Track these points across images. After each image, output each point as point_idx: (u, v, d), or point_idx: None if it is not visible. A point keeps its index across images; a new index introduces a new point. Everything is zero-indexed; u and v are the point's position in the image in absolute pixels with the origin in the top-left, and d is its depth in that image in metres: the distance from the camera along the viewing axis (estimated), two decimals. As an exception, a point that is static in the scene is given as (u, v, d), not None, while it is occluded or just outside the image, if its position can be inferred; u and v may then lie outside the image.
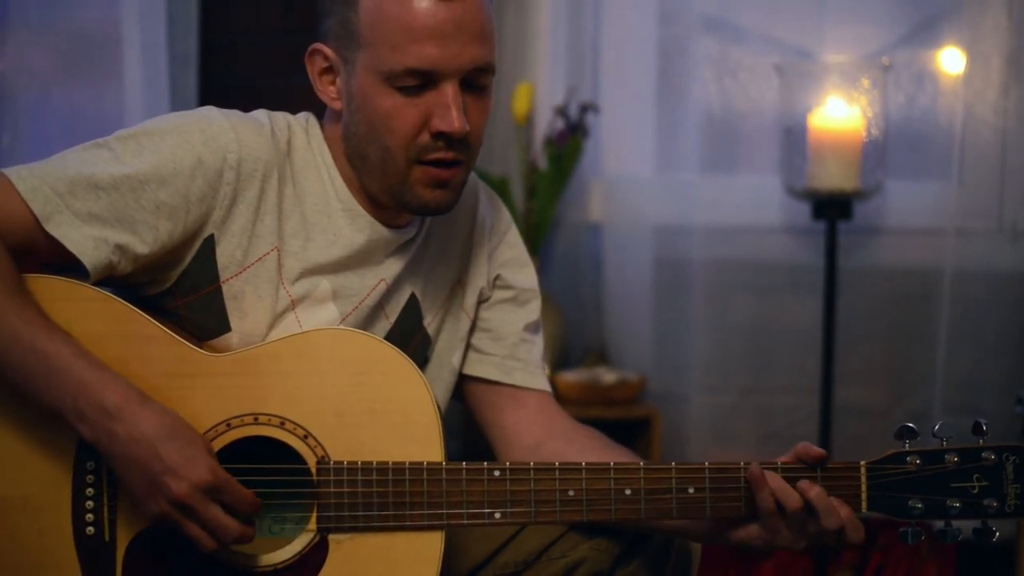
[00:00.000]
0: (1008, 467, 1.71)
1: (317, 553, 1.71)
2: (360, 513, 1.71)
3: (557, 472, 1.72)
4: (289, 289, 1.79)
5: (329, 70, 1.80)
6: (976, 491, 1.71)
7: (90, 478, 1.69)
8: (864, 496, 1.71)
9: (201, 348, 1.74)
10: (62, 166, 1.72)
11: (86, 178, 1.70)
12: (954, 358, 3.13)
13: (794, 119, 3.06)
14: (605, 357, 3.32)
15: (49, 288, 1.70)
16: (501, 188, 3.14)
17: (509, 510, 1.72)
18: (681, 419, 3.25)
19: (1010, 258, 3.11)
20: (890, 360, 3.23)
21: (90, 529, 1.70)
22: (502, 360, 1.95)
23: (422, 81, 1.72)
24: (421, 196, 1.77)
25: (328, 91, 1.81)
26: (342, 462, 1.71)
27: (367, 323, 1.85)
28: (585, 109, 3.23)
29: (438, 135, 1.73)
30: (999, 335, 3.13)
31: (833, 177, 3.00)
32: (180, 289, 1.77)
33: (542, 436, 1.92)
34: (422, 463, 1.71)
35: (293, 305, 1.80)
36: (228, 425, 1.70)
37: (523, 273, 1.99)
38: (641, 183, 3.33)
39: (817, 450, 1.71)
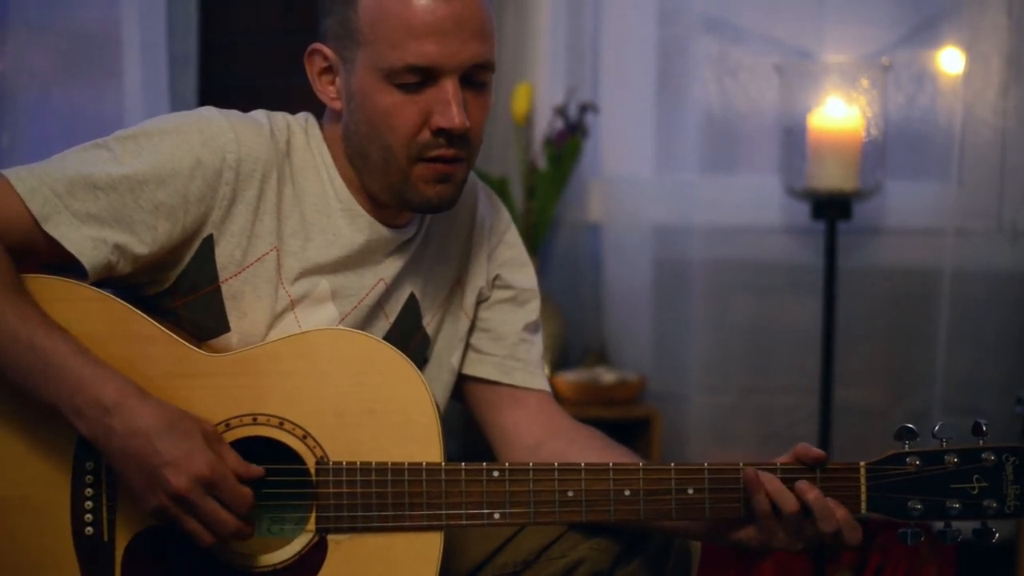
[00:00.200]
0: (1008, 468, 1.71)
1: (316, 553, 1.71)
2: (359, 513, 1.71)
3: (556, 473, 1.72)
4: (288, 289, 1.79)
5: (328, 70, 1.80)
6: (976, 492, 1.71)
7: (89, 478, 1.69)
8: (864, 497, 1.71)
9: (200, 348, 1.74)
10: (61, 166, 1.72)
11: (85, 178, 1.70)
12: (954, 358, 3.13)
13: (794, 119, 3.06)
14: (605, 357, 3.32)
15: (48, 288, 1.70)
16: (500, 188, 3.14)
17: (508, 511, 1.72)
18: (681, 419, 3.25)
19: (1010, 258, 3.11)
20: (890, 360, 3.23)
21: (89, 529, 1.70)
22: (501, 360, 1.95)
23: (422, 78, 1.72)
24: (423, 193, 1.77)
25: (327, 91, 1.81)
26: (341, 462, 1.71)
27: (366, 323, 1.85)
28: (585, 109, 3.23)
29: (439, 132, 1.73)
30: (999, 335, 3.13)
31: (833, 177, 3.00)
32: (179, 289, 1.77)
33: (542, 436, 1.92)
34: (421, 463, 1.71)
35: (292, 305, 1.80)
36: (227, 425, 1.70)
37: (522, 273, 1.99)
38: (641, 183, 3.33)
39: (816, 451, 1.71)
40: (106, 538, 1.70)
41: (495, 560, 1.87)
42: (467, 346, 1.96)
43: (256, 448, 1.71)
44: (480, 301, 1.97)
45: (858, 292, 3.19)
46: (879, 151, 3.04)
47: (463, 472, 1.71)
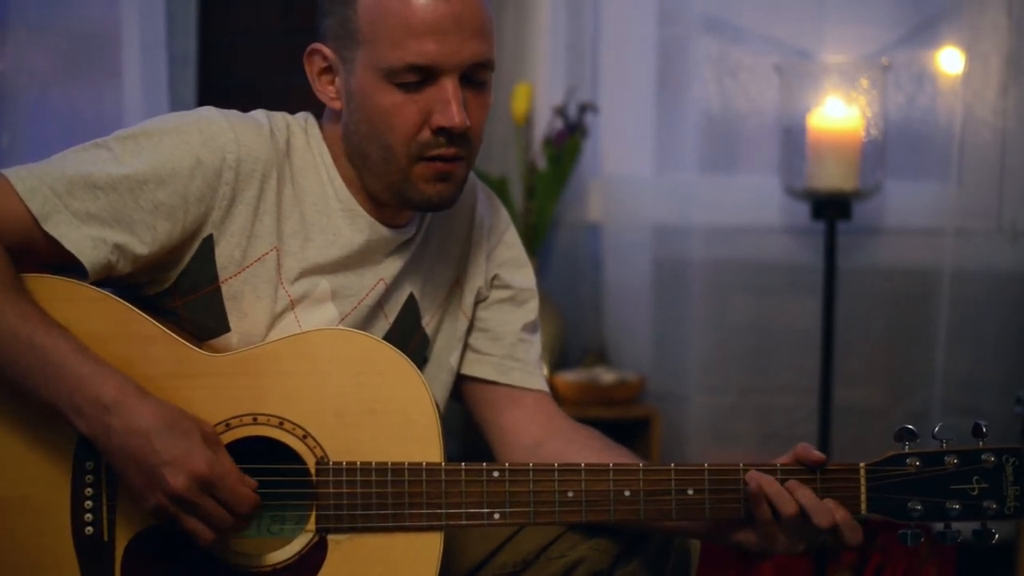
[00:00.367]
0: (1007, 469, 1.71)
1: (316, 553, 1.71)
2: (359, 513, 1.71)
3: (556, 473, 1.72)
4: (288, 289, 1.79)
5: (328, 70, 1.80)
6: (975, 493, 1.71)
7: (89, 478, 1.69)
8: (864, 498, 1.71)
9: (200, 348, 1.74)
10: (61, 166, 1.72)
11: (85, 178, 1.70)
12: (953, 358, 3.13)
13: (793, 119, 3.06)
14: (604, 357, 3.32)
15: (49, 288, 1.70)
16: (500, 188, 3.14)
17: (508, 511, 1.72)
18: (680, 419, 3.25)
19: (1009, 258, 3.11)
20: (889, 360, 3.23)
21: (89, 529, 1.70)
22: (500, 360, 1.95)
23: (422, 77, 1.72)
24: (424, 191, 1.77)
25: (327, 91, 1.81)
26: (341, 462, 1.71)
27: (366, 323, 1.85)
28: (584, 109, 3.23)
29: (439, 131, 1.73)
30: (998, 335, 3.13)
31: (832, 177, 3.00)
32: (179, 289, 1.77)
33: (541, 436, 1.92)
34: (421, 463, 1.71)
35: (292, 305, 1.80)
36: (227, 425, 1.70)
37: (521, 273, 1.99)
38: (640, 183, 3.33)
39: (816, 454, 1.71)
40: (106, 538, 1.70)
41: (495, 560, 1.87)
42: (466, 346, 1.96)
43: (256, 448, 1.71)
44: (479, 301, 1.97)
45: (858, 292, 3.19)
46: (879, 151, 3.04)
47: (463, 472, 1.71)
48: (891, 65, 3.08)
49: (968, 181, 3.14)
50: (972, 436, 1.72)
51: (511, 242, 2.00)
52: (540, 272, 3.20)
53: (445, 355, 1.94)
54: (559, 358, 3.27)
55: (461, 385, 1.97)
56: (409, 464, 1.71)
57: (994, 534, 1.71)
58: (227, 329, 1.78)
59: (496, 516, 1.72)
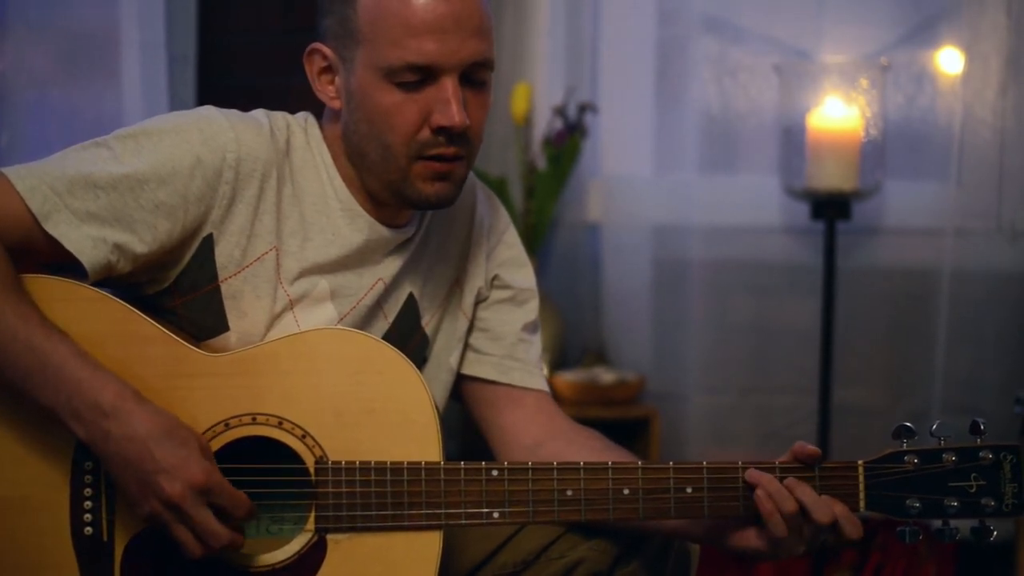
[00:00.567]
0: (1005, 466, 1.71)
1: (315, 553, 1.71)
2: (358, 513, 1.71)
3: (555, 472, 1.72)
4: (287, 289, 1.79)
5: (328, 69, 1.80)
6: (973, 490, 1.71)
7: (88, 478, 1.69)
8: (862, 495, 1.71)
9: (199, 348, 1.74)
10: (61, 165, 1.71)
11: (85, 177, 1.70)
12: (953, 358, 3.13)
13: (793, 119, 3.06)
14: (604, 357, 3.32)
15: (48, 288, 1.70)
16: (499, 188, 3.14)
17: (507, 510, 1.72)
18: (680, 419, 3.25)
19: (1009, 258, 3.11)
20: (889, 360, 3.23)
21: (88, 529, 1.70)
22: (500, 360, 1.95)
23: (422, 76, 1.72)
24: (422, 191, 1.77)
25: (327, 90, 1.81)
26: (340, 462, 1.71)
27: (365, 323, 1.85)
28: (584, 109, 3.23)
29: (439, 130, 1.74)
30: (998, 335, 3.13)
31: (832, 177, 3.00)
32: (179, 288, 1.77)
33: (541, 436, 1.92)
34: (420, 463, 1.71)
35: (291, 305, 1.80)
36: (226, 425, 1.70)
37: (521, 273, 1.99)
38: (640, 183, 3.33)
39: (811, 448, 1.71)
40: (105, 538, 1.70)
41: (494, 560, 1.87)
42: (466, 346, 1.96)
43: (255, 448, 1.71)
44: (479, 301, 1.97)
45: (857, 292, 3.19)
46: (878, 151, 3.04)
47: (462, 471, 1.71)
48: (891, 65, 3.08)
49: (967, 181, 3.14)
50: (970, 434, 1.72)
51: (511, 242, 2.00)
52: (540, 272, 3.20)
53: (444, 355, 1.94)
54: (558, 358, 3.27)
55: (461, 385, 1.97)
56: (408, 463, 1.71)
57: (992, 531, 1.71)
58: (226, 328, 1.78)
59: (495, 515, 1.72)
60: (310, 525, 1.71)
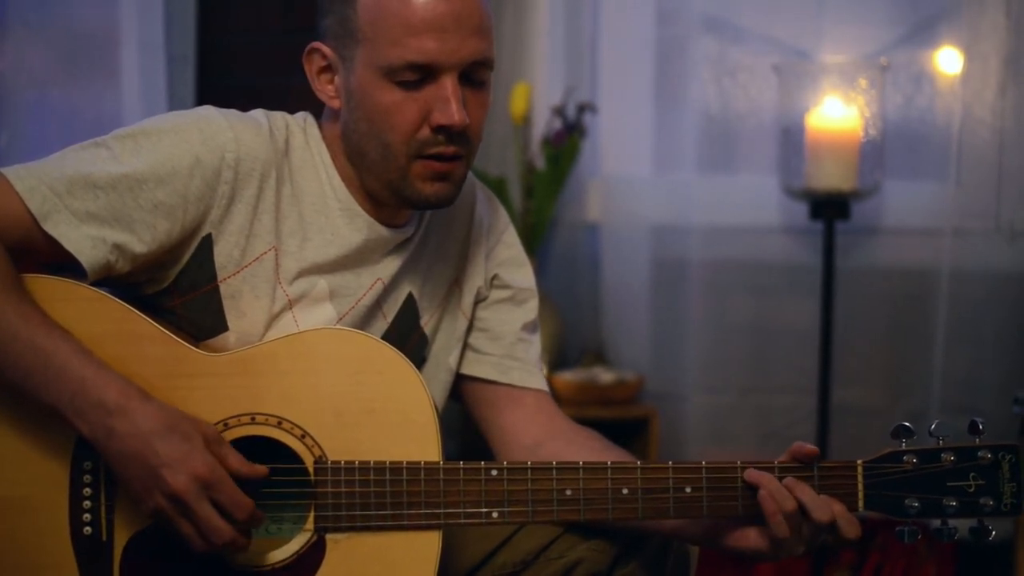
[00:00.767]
0: (1004, 466, 1.71)
1: (315, 553, 1.71)
2: (358, 513, 1.71)
3: (555, 471, 1.72)
4: (286, 289, 1.79)
5: (327, 69, 1.80)
6: (972, 490, 1.71)
7: (87, 478, 1.70)
8: (861, 495, 1.72)
9: (198, 348, 1.74)
10: (60, 165, 1.72)
11: (84, 177, 1.70)
12: (952, 358, 3.13)
13: (792, 119, 3.06)
14: (603, 357, 3.32)
15: (47, 288, 1.70)
16: (499, 188, 3.14)
17: (507, 509, 1.72)
18: (679, 419, 3.25)
19: (1008, 258, 3.11)
20: (888, 360, 3.23)
21: (87, 529, 1.70)
22: (499, 360, 1.95)
23: (422, 75, 1.72)
24: (421, 190, 1.77)
25: (326, 90, 1.81)
26: (339, 462, 1.71)
27: (364, 323, 1.85)
28: (583, 109, 3.23)
29: (438, 129, 1.74)
30: (997, 335, 3.13)
31: (831, 177, 3.00)
32: (178, 288, 1.77)
33: (541, 436, 1.92)
34: (419, 463, 1.71)
35: (290, 305, 1.80)
36: (225, 425, 1.70)
37: (520, 273, 1.99)
38: (639, 183, 3.33)
39: (809, 447, 1.71)
40: (104, 538, 1.70)
41: (493, 560, 1.87)
42: (465, 346, 1.96)
43: (254, 447, 1.71)
44: (478, 301, 1.97)
45: (856, 292, 3.19)
46: (877, 151, 3.04)
47: (461, 471, 1.71)
48: (890, 65, 3.08)
49: (966, 181, 3.14)
50: (968, 433, 1.72)
51: (510, 242, 2.00)
52: (539, 272, 3.20)
53: (444, 355, 1.94)
54: (558, 358, 3.27)
55: (461, 385, 1.98)
56: (407, 463, 1.71)
57: (991, 531, 1.71)
58: (225, 328, 1.78)
59: (495, 515, 1.72)
60: (309, 525, 1.72)
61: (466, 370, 1.96)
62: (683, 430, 3.25)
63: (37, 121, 2.82)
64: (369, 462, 1.71)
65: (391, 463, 1.71)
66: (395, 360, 1.73)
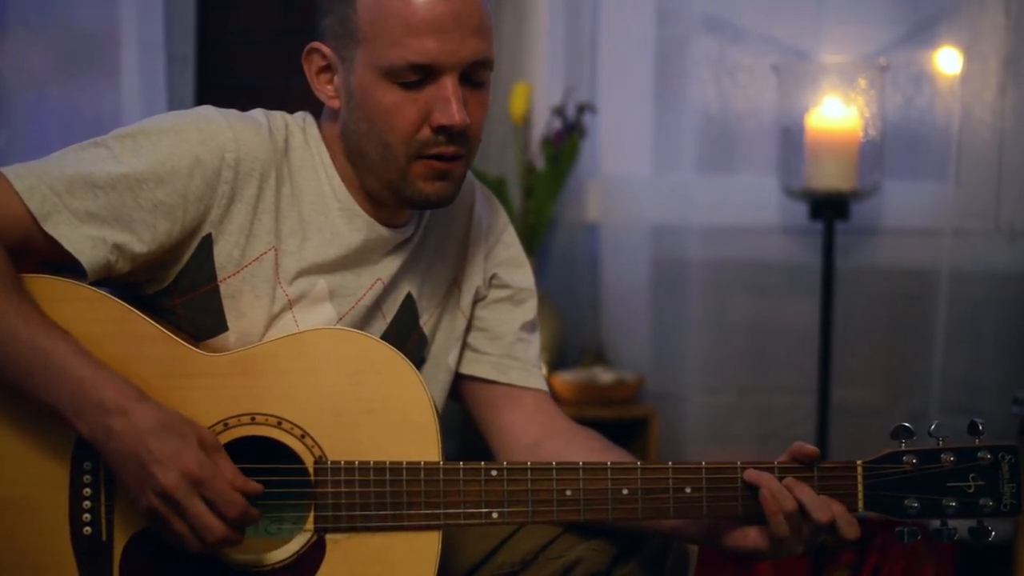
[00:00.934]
0: (1003, 466, 1.71)
1: (314, 553, 1.71)
2: (357, 513, 1.71)
3: (554, 472, 1.72)
4: (286, 289, 1.79)
5: (327, 69, 1.80)
6: (972, 490, 1.71)
7: (87, 478, 1.70)
8: (860, 495, 1.72)
9: (198, 348, 1.74)
10: (60, 165, 1.71)
11: (84, 177, 1.70)
12: (951, 358, 3.13)
13: (792, 119, 3.06)
14: (602, 357, 3.32)
15: (46, 288, 1.70)
16: (498, 188, 3.14)
17: (506, 510, 1.72)
18: (679, 419, 3.25)
19: (1007, 258, 3.11)
20: (887, 360, 3.23)
21: (87, 529, 1.70)
22: (499, 359, 1.95)
23: (422, 76, 1.72)
24: (422, 190, 1.77)
25: (326, 90, 1.81)
26: (339, 462, 1.71)
27: (364, 323, 1.85)
28: (583, 109, 3.23)
29: (439, 129, 1.74)
30: (997, 335, 3.13)
31: (830, 177, 3.00)
32: (178, 288, 1.77)
33: (540, 436, 1.92)
34: (419, 463, 1.71)
35: (290, 305, 1.80)
36: (225, 425, 1.70)
37: (520, 272, 1.99)
38: (639, 183, 3.33)
39: (809, 448, 1.71)
40: (104, 538, 1.70)
41: (493, 560, 1.87)
42: (464, 345, 1.96)
43: (254, 448, 1.71)
44: (477, 301, 1.97)
45: (856, 292, 3.19)
46: (877, 151, 3.04)
47: (461, 471, 1.71)
48: (889, 65, 3.08)
49: (966, 181, 3.14)
50: (968, 434, 1.72)
51: (509, 242, 2.00)
52: (538, 272, 3.20)
53: (443, 355, 1.94)
54: (557, 358, 3.27)
55: (460, 385, 1.98)
56: (407, 463, 1.71)
57: (990, 531, 1.71)
58: (225, 328, 1.78)
59: (494, 515, 1.72)
60: (309, 525, 1.72)
61: (465, 370, 1.96)
62: (683, 430, 3.25)
63: (37, 121, 2.82)
64: (369, 462, 1.71)
65: (391, 463, 1.71)
66: (394, 360, 1.73)
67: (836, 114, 3.02)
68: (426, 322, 1.92)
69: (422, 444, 1.72)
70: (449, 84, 1.72)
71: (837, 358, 3.06)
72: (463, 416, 2.08)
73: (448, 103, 1.72)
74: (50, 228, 1.69)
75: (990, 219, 3.13)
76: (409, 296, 1.89)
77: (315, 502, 1.71)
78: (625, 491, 1.72)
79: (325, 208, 1.81)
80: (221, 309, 1.77)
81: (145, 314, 1.72)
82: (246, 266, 1.78)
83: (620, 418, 3.15)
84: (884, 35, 3.20)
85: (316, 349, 1.73)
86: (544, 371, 2.00)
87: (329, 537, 1.71)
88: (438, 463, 1.71)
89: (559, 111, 3.23)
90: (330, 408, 1.72)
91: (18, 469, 1.70)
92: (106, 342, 1.68)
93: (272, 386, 1.72)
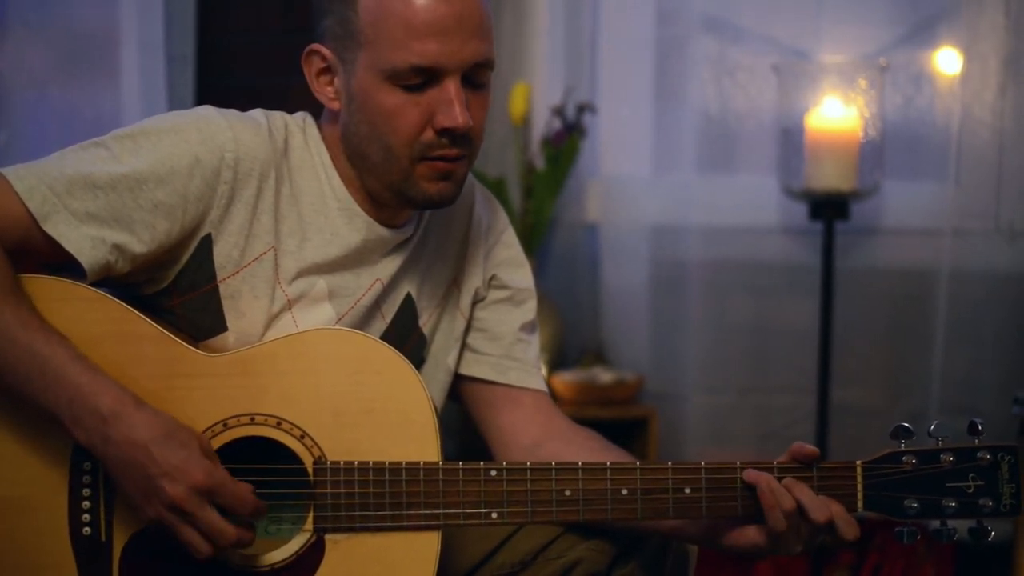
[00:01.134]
0: (1003, 466, 1.71)
1: (314, 553, 1.71)
2: (357, 513, 1.71)
3: (554, 472, 1.72)
4: (286, 289, 1.79)
5: (327, 70, 1.80)
6: (971, 490, 1.71)
7: (87, 479, 1.69)
8: (860, 496, 1.72)
9: (198, 348, 1.74)
10: (60, 165, 1.71)
11: (84, 177, 1.70)
12: (951, 358, 3.13)
13: (791, 119, 3.06)
14: (602, 357, 3.32)
15: (46, 288, 1.70)
16: (498, 188, 3.14)
17: (506, 510, 1.72)
18: (679, 419, 3.25)
19: (1007, 258, 3.11)
20: (887, 360, 3.23)
21: (87, 529, 1.70)
22: (498, 360, 1.95)
23: (424, 78, 1.72)
24: (425, 190, 1.77)
25: (326, 91, 1.81)
26: (339, 462, 1.71)
27: (363, 323, 1.85)
28: (582, 109, 3.23)
29: (443, 132, 1.73)
30: (996, 335, 3.13)
31: (830, 177, 3.00)
32: (177, 288, 1.77)
33: (539, 436, 1.92)
34: (419, 463, 1.71)
35: (289, 305, 1.80)
36: (225, 425, 1.70)
37: (519, 273, 1.99)
38: (638, 183, 3.33)
39: (809, 448, 1.71)
40: (104, 538, 1.70)
41: (493, 560, 1.87)
42: (463, 346, 1.96)
43: (254, 448, 1.71)
44: (476, 301, 1.97)
45: (856, 292, 3.19)
46: (877, 151, 3.04)
47: (460, 472, 1.71)
48: (889, 65, 3.08)
49: (966, 181, 3.14)
50: (968, 434, 1.72)
51: (509, 242, 2.00)
52: (538, 272, 3.21)
53: (443, 355, 1.94)
54: (557, 358, 3.27)
55: (459, 385, 1.98)
56: (407, 464, 1.71)
57: (990, 531, 1.71)
58: (224, 329, 1.78)
59: (494, 515, 1.72)
60: (308, 525, 1.72)
61: (464, 370, 1.96)
62: (682, 430, 3.25)
63: (37, 121, 2.82)
64: (368, 462, 1.71)
65: (390, 463, 1.71)
66: (394, 360, 1.73)
67: (836, 114, 3.02)
68: (425, 322, 1.92)
69: (421, 444, 1.72)
70: (452, 86, 1.72)
71: (837, 358, 3.06)
72: (462, 416, 2.08)
73: (451, 105, 1.72)
74: (50, 228, 1.69)
75: (990, 219, 3.13)
76: (408, 296, 1.89)
77: (314, 502, 1.71)
78: (624, 491, 1.72)
79: (324, 208, 1.81)
80: (220, 309, 1.77)
81: (144, 314, 1.72)
82: (245, 266, 1.78)
83: (620, 418, 3.15)
84: (884, 35, 3.20)
85: (315, 349, 1.73)
86: (544, 371, 2.00)
87: (328, 537, 1.71)
88: (437, 463, 1.71)
89: (559, 111, 3.23)
90: (329, 408, 1.72)
91: (18, 469, 1.70)
92: (105, 342, 1.68)
93: (271, 386, 1.72)
